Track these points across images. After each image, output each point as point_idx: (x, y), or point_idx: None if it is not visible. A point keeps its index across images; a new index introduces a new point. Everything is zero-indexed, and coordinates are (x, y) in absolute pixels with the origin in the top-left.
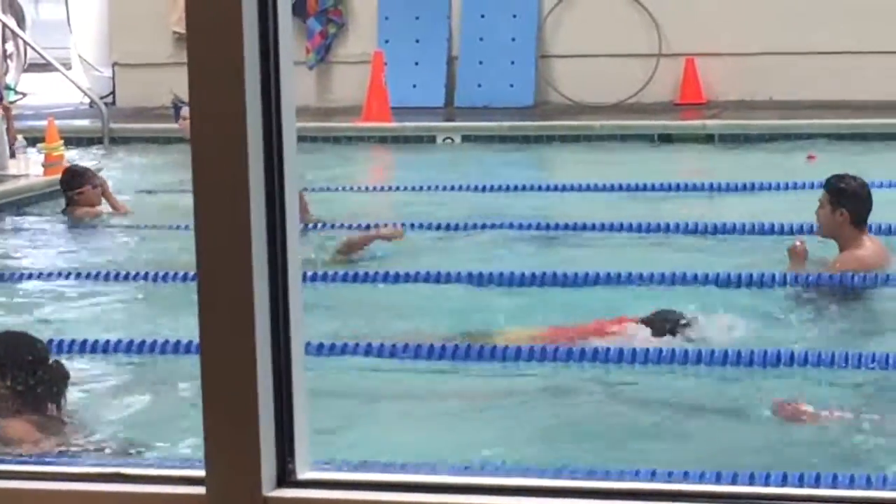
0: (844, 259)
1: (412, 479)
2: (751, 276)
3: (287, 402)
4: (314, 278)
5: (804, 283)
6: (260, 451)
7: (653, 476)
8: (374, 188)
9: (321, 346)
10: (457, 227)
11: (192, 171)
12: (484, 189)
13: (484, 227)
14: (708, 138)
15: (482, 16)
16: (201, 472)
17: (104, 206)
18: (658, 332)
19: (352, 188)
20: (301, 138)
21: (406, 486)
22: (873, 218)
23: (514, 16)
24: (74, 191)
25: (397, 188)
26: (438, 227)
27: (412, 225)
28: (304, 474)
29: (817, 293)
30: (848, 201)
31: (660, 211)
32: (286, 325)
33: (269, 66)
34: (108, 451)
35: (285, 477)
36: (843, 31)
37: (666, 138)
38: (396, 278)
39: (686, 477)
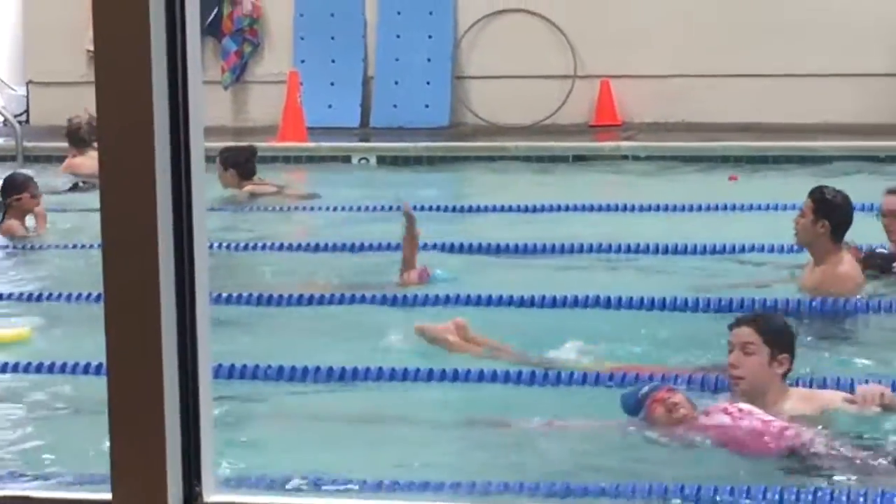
0: (827, 276)
1: (320, 501)
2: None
3: (194, 424)
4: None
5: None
6: (166, 474)
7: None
8: (289, 208)
9: (232, 367)
10: (370, 248)
11: (99, 190)
12: (399, 209)
13: (398, 247)
14: (623, 160)
15: (398, 36)
16: (108, 496)
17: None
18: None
19: (266, 208)
20: (215, 158)
21: None
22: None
23: (430, 36)
24: (12, 197)
25: (311, 208)
26: (353, 248)
27: (325, 245)
28: (210, 497)
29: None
30: (831, 213)
31: (573, 231)
32: (193, 348)
33: (177, 85)
34: (15, 473)
35: (192, 499)
36: (756, 54)
37: (581, 159)
38: (310, 300)
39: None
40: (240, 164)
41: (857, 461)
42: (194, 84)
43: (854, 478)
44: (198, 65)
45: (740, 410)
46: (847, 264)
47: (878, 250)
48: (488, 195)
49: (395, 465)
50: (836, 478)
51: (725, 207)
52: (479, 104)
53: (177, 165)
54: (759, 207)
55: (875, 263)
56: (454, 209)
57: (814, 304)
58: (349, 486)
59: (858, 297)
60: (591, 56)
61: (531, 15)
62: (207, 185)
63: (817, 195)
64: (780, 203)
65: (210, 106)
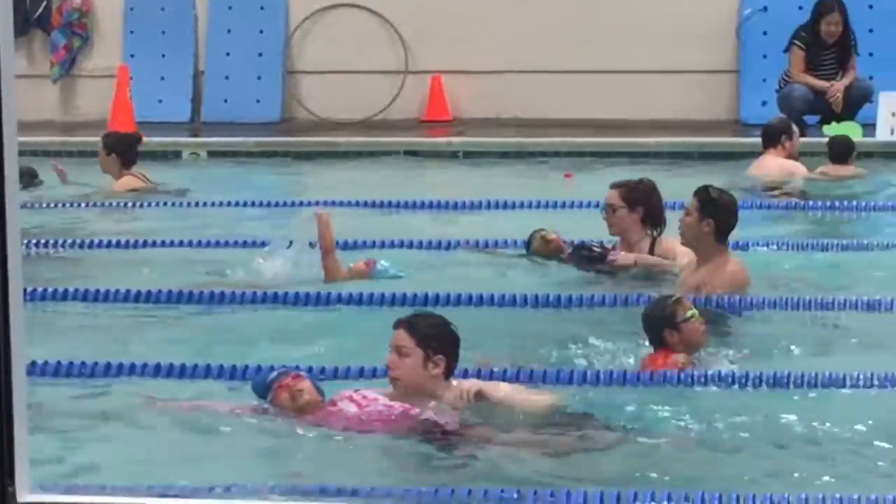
0: (710, 276)
1: (136, 501)
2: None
3: (7, 425)
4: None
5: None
6: None
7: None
8: (118, 204)
9: (46, 364)
10: (199, 244)
11: None
12: (229, 205)
13: (227, 244)
14: (454, 155)
15: (228, 31)
16: None
17: None
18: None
19: (95, 204)
20: (44, 152)
21: None
22: None
23: (261, 31)
24: None
25: (141, 204)
26: (181, 244)
27: (153, 242)
28: (24, 497)
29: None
30: (716, 212)
31: (405, 228)
32: (6, 348)
33: None
34: None
35: (5, 500)
36: (585, 52)
37: (413, 155)
38: (138, 296)
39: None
40: (122, 150)
41: (502, 443)
42: (6, 78)
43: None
44: (10, 56)
45: (364, 397)
46: (732, 264)
47: (590, 244)
48: (320, 190)
49: (219, 466)
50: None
51: (556, 205)
52: (311, 99)
53: None
54: (591, 205)
55: (581, 256)
56: (286, 204)
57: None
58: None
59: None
60: (423, 52)
61: (363, 10)
62: (91, 179)
63: (702, 194)
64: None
65: (38, 100)
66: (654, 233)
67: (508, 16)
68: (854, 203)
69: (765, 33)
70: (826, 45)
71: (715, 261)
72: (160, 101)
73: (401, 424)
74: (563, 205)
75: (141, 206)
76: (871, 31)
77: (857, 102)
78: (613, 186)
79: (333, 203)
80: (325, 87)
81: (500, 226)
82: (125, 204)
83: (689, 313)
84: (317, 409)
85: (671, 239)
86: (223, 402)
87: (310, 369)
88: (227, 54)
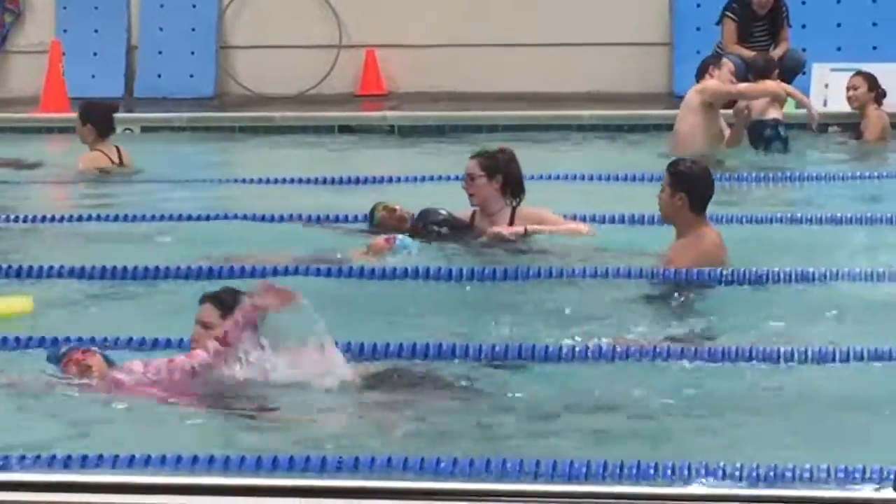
0: (679, 250)
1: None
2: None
3: None
4: None
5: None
6: None
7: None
8: (51, 180)
9: None
10: (134, 219)
11: None
12: (163, 181)
13: (163, 218)
14: (389, 129)
15: (161, 5)
16: None
17: None
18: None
19: (31, 181)
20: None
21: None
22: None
23: (194, 6)
24: None
25: (73, 182)
26: (116, 219)
27: (88, 217)
28: None
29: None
30: (687, 185)
31: (341, 203)
32: None
33: None
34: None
35: None
36: (522, 24)
37: (347, 129)
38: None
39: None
40: (99, 120)
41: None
42: None
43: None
44: None
45: (147, 366)
46: (709, 238)
47: (436, 210)
48: (254, 166)
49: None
50: None
51: None
52: (245, 74)
53: None
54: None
55: (429, 223)
56: (220, 180)
57: (666, 274)
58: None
59: (721, 269)
60: (357, 26)
61: None
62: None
63: (672, 168)
64: (548, 173)
65: None
66: (514, 202)
67: None
68: (787, 174)
69: (698, 6)
70: (758, 17)
71: (692, 233)
72: (93, 76)
73: (182, 393)
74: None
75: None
76: (803, 2)
77: (789, 74)
78: (473, 156)
79: (269, 181)
80: (259, 62)
81: (436, 200)
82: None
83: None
84: (104, 380)
85: (530, 209)
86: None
87: None
88: (161, 29)
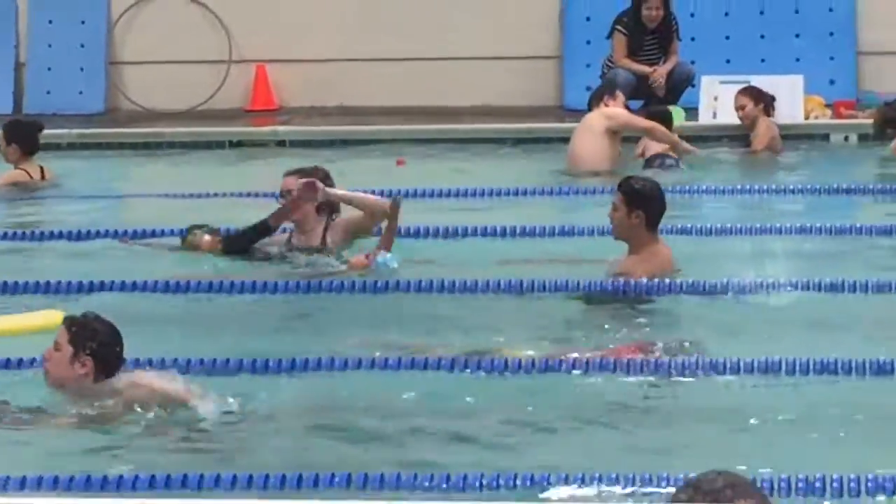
0: (636, 265)
1: None
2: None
3: None
4: None
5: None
6: None
7: None
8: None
9: None
10: (24, 237)
11: None
12: (56, 199)
13: (62, 236)
14: (280, 144)
15: (50, 21)
16: None
17: None
18: None
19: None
20: None
21: None
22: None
23: (83, 22)
24: None
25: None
26: (5, 237)
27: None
28: None
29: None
30: (643, 203)
31: (230, 218)
32: None
33: None
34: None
35: None
36: (413, 38)
37: (238, 145)
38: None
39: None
40: (23, 138)
41: None
42: None
43: None
44: None
45: None
46: (663, 254)
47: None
48: (144, 182)
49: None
50: None
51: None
52: (135, 90)
53: None
54: (422, 194)
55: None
56: (111, 196)
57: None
58: None
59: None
60: (247, 41)
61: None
62: None
63: (627, 187)
64: (440, 188)
65: None
66: (331, 218)
67: (333, 3)
68: (677, 188)
69: (588, 19)
70: (648, 31)
71: (647, 250)
72: None
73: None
74: (386, 193)
75: None
76: (692, 15)
77: (679, 87)
78: (288, 174)
79: (159, 195)
80: (149, 78)
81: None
82: None
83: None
84: None
85: (344, 221)
86: None
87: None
88: (49, 45)
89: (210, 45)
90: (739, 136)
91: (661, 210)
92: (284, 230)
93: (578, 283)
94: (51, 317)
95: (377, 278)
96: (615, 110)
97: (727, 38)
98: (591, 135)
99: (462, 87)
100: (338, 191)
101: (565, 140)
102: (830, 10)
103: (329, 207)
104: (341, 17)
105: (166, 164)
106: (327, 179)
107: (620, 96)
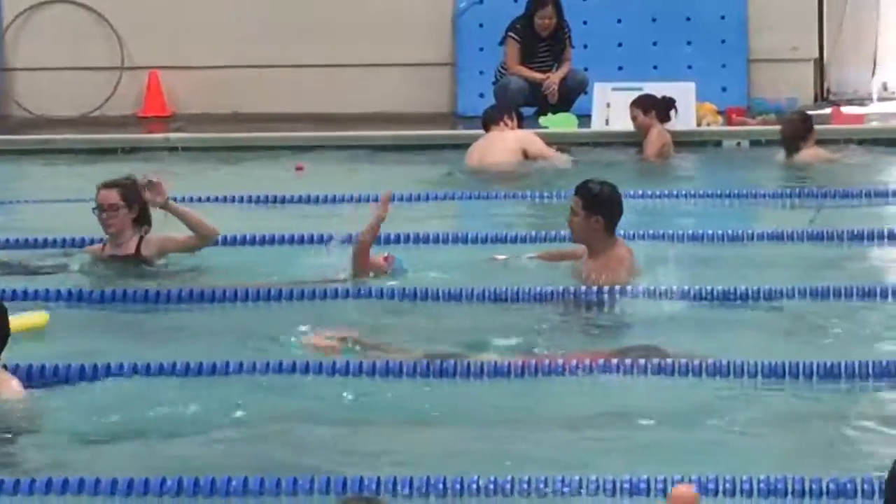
0: (599, 269)
1: None
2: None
3: None
4: None
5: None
6: None
7: None
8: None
9: None
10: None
11: None
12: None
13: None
14: (172, 151)
15: None
16: None
17: None
18: None
19: None
20: None
21: None
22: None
23: None
24: None
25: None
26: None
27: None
28: None
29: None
30: (602, 207)
31: None
32: None
33: None
34: None
35: None
36: (306, 45)
37: (131, 151)
38: None
39: None
40: None
41: None
42: None
43: None
44: None
45: None
46: (622, 258)
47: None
48: (35, 189)
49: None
50: None
51: (279, 200)
52: (26, 96)
53: None
54: (319, 199)
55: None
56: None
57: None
58: None
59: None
60: (139, 47)
61: (77, 6)
62: None
63: (584, 191)
64: (340, 194)
65: None
66: (143, 231)
67: (226, 10)
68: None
69: (481, 25)
70: (541, 38)
71: (607, 253)
72: None
73: None
74: (288, 199)
75: None
76: (585, 23)
77: (572, 94)
78: (106, 186)
79: (53, 201)
80: (40, 84)
81: (216, 220)
82: None
83: None
84: None
85: (159, 240)
86: None
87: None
88: None
89: (102, 51)
90: (633, 143)
91: (619, 213)
92: (102, 241)
93: (551, 292)
94: (37, 318)
95: (393, 280)
96: (533, 138)
97: (620, 45)
98: (504, 150)
99: (356, 93)
100: (178, 205)
101: (458, 147)
102: (722, 17)
103: (145, 218)
104: (235, 23)
105: (58, 170)
106: (145, 189)
107: (516, 118)
